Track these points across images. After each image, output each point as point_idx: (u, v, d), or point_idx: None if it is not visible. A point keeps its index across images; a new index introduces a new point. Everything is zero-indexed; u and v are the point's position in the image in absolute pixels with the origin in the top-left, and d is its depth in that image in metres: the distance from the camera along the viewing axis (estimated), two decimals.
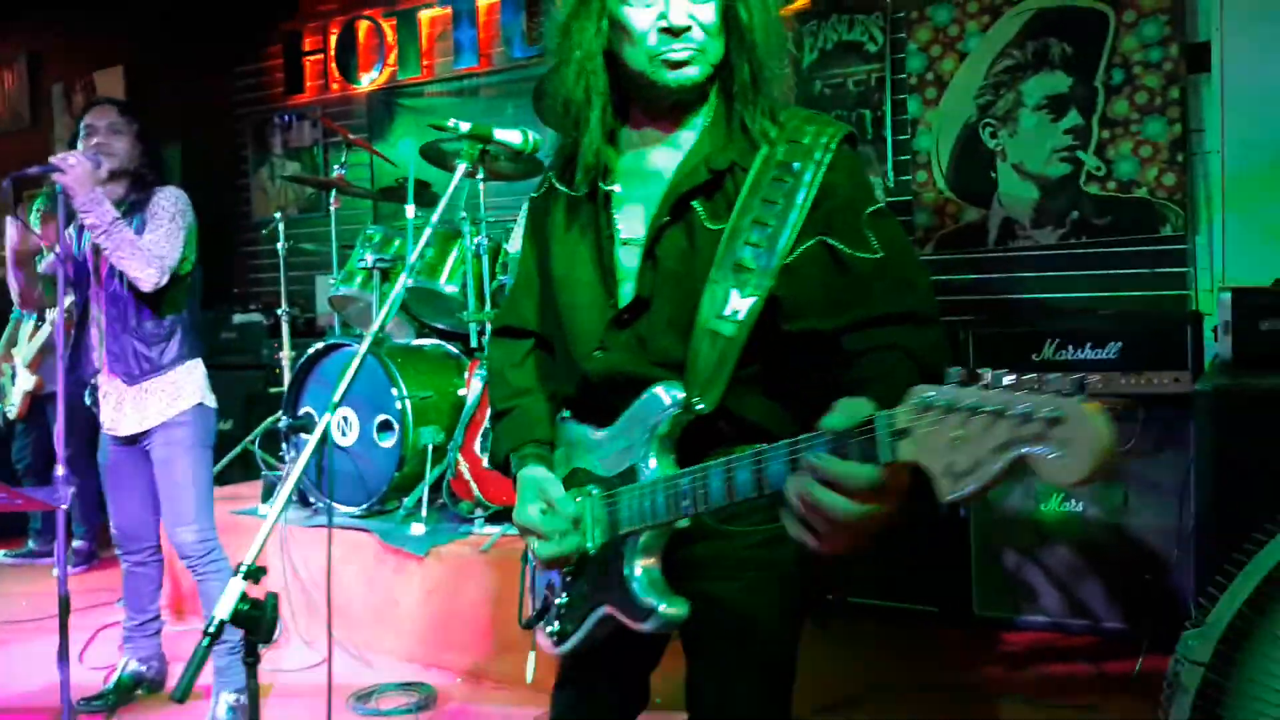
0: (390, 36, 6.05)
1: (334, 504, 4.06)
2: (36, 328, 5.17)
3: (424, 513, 3.81)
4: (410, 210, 3.90)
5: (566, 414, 1.60)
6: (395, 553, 3.75)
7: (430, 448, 3.85)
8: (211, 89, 6.72)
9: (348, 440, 4.08)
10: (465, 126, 1.74)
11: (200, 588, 3.29)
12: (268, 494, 4.33)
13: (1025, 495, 3.66)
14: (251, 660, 1.38)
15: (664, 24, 1.42)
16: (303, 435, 4.08)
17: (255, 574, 1.36)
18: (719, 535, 1.46)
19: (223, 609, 1.32)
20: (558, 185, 1.62)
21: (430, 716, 3.26)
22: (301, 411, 4.12)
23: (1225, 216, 3.92)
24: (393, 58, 6.04)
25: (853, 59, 4.64)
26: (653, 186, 1.50)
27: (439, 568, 3.66)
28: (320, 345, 4.12)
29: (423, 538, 3.72)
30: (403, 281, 1.66)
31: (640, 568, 1.40)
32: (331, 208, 4.59)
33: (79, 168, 2.87)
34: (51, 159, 2.84)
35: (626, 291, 1.50)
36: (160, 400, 3.17)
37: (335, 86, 6.33)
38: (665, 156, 1.53)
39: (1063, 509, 3.61)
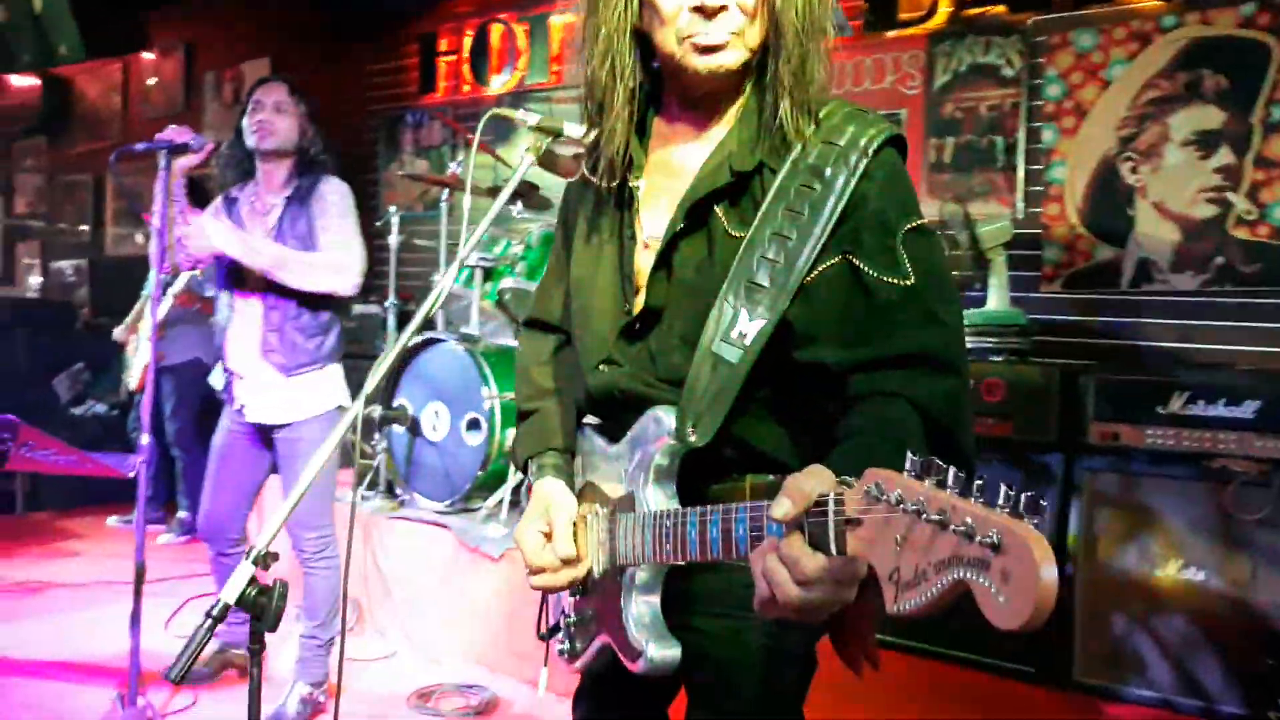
0: (521, 41, 6.11)
1: (418, 497, 4.07)
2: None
3: (504, 514, 3.78)
4: (516, 209, 3.89)
5: (590, 420, 1.50)
6: (472, 551, 3.73)
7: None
8: (349, 85, 6.90)
9: (437, 435, 4.08)
10: (534, 119, 1.67)
11: (306, 580, 3.28)
12: (360, 482, 4.37)
13: (1140, 556, 3.39)
14: (256, 648, 1.33)
15: (696, 3, 1.28)
16: (394, 427, 4.10)
17: (265, 560, 1.31)
18: (720, 569, 1.32)
19: (230, 592, 1.27)
20: (587, 175, 1.50)
21: None
22: (396, 403, 4.14)
23: None
24: (522, 62, 6.09)
25: (987, 82, 4.43)
26: (678, 185, 1.37)
27: (513, 571, 3.61)
28: (419, 339, 4.14)
29: (500, 539, 3.68)
30: (453, 270, 1.59)
31: (636, 604, 1.30)
32: (444, 204, 4.62)
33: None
34: (158, 136, 2.91)
35: (642, 300, 1.38)
36: (311, 395, 3.17)
37: (466, 88, 6.42)
38: (694, 152, 1.39)
39: (1182, 575, 3.32)
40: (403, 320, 5.15)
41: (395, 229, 4.64)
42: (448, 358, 4.05)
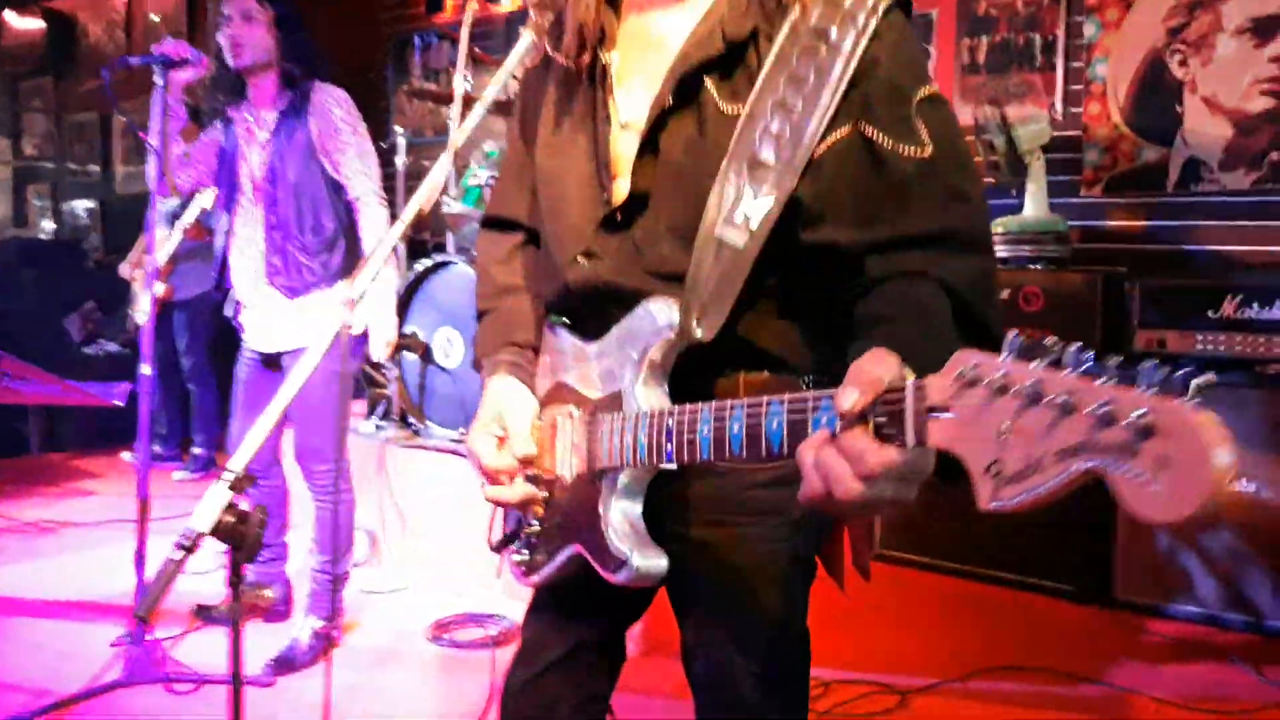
0: None
1: (432, 424, 3.95)
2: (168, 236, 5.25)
3: None
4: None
5: (558, 319, 1.35)
6: None
7: None
8: (357, 7, 6.68)
9: (451, 362, 3.95)
10: None
11: (317, 514, 3.16)
12: (372, 411, 4.26)
13: None
14: (236, 581, 1.20)
15: None
16: (406, 354, 3.97)
17: (241, 483, 1.17)
18: (713, 472, 1.20)
19: (202, 520, 1.14)
20: (551, 53, 1.33)
21: (509, 651, 3.13)
22: (406, 330, 4.01)
23: None
24: None
25: None
26: (659, 58, 1.21)
27: None
28: (428, 263, 3.98)
29: None
30: (443, 161, 1.42)
31: (617, 510, 1.16)
32: (452, 123, 4.42)
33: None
34: (154, 48, 2.74)
35: (622, 188, 1.23)
36: (320, 318, 2.99)
37: (476, 6, 6.18)
38: (675, 21, 1.23)
39: (1229, 486, 3.15)
40: (413, 250, 5.00)
41: (403, 150, 4.46)
42: (459, 281, 3.89)
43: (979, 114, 4.03)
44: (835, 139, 1.10)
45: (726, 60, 1.17)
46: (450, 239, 4.51)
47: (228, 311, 3.19)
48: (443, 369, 3.97)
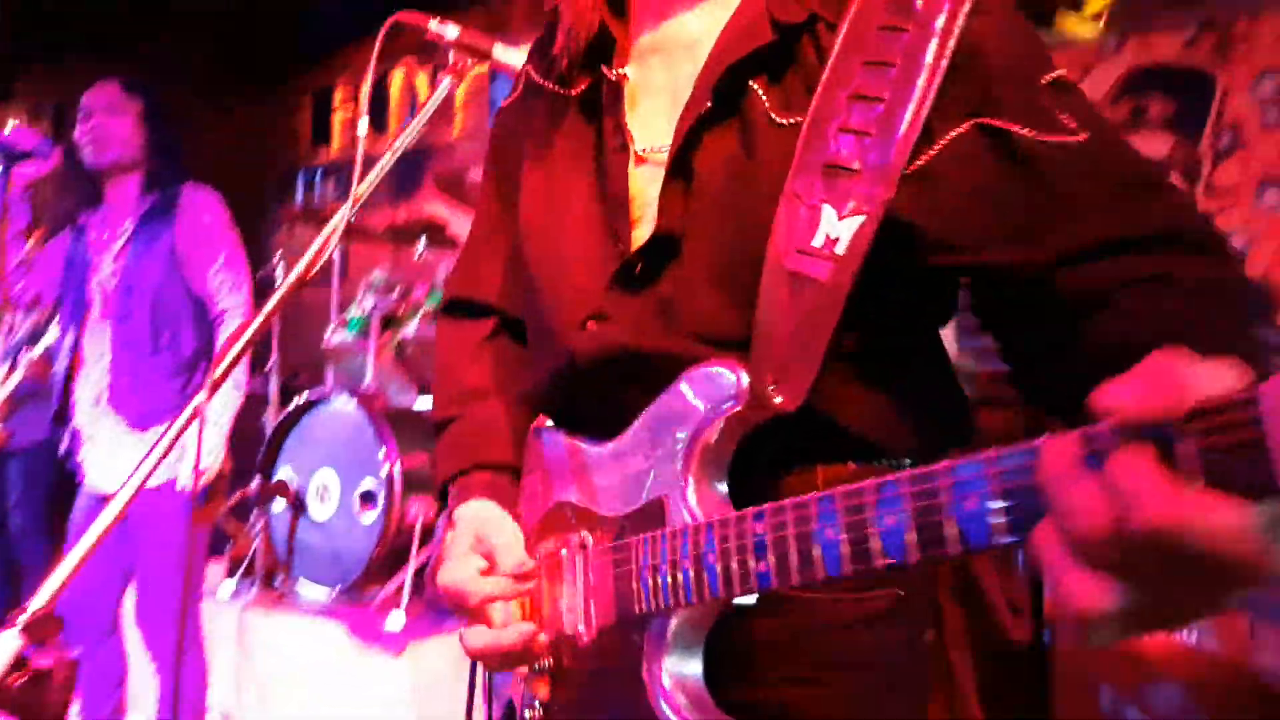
0: (422, 94, 5.77)
1: (302, 583, 3.52)
2: (9, 372, 4.74)
3: (405, 601, 3.25)
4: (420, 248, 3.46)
5: (547, 424, 1.06)
6: (368, 646, 3.20)
7: (419, 524, 3.32)
8: (239, 142, 6.46)
9: (325, 512, 3.55)
10: (454, 33, 1.27)
11: (160, 690, 2.75)
12: (232, 570, 3.79)
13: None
14: None
15: None
16: (274, 504, 3.56)
17: (41, 630, 0.91)
18: (789, 606, 0.89)
19: None
20: (537, 79, 1.10)
21: None
22: (277, 475, 3.61)
23: None
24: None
25: None
26: (688, 69, 0.96)
27: (417, 670, 3.09)
28: (302, 400, 3.63)
29: (401, 632, 3.16)
30: (340, 223, 1.17)
31: (669, 673, 0.84)
32: (336, 257, 4.17)
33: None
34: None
35: (643, 233, 0.96)
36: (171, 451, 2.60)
37: (365, 135, 6.04)
38: (703, 20, 0.99)
39: (1176, 638, 2.98)
40: (286, 395, 4.62)
41: (280, 278, 4.15)
42: (338, 419, 3.54)
43: None
44: (948, 140, 0.85)
45: (778, 54, 0.92)
46: (330, 373, 4.17)
47: (65, 445, 2.77)
48: (317, 521, 3.57)
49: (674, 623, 0.85)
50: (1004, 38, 0.87)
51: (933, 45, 0.84)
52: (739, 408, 0.83)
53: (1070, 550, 0.54)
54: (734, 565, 0.78)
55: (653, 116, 0.99)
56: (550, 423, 1.05)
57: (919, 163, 0.85)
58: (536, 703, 1.00)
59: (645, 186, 0.97)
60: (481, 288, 1.20)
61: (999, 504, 0.61)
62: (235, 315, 2.68)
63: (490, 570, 1.00)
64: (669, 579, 0.84)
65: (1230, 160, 3.54)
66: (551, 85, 1.07)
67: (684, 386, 0.87)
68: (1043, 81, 0.86)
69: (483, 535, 1.01)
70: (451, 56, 1.28)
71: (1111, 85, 3.77)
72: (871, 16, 0.88)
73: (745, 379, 0.83)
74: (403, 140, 1.22)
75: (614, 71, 1.01)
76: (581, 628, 0.94)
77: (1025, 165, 0.83)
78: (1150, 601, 0.53)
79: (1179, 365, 0.53)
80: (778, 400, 0.83)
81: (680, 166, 0.93)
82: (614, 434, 0.95)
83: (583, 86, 1.04)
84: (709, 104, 0.92)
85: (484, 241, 1.21)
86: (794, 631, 0.91)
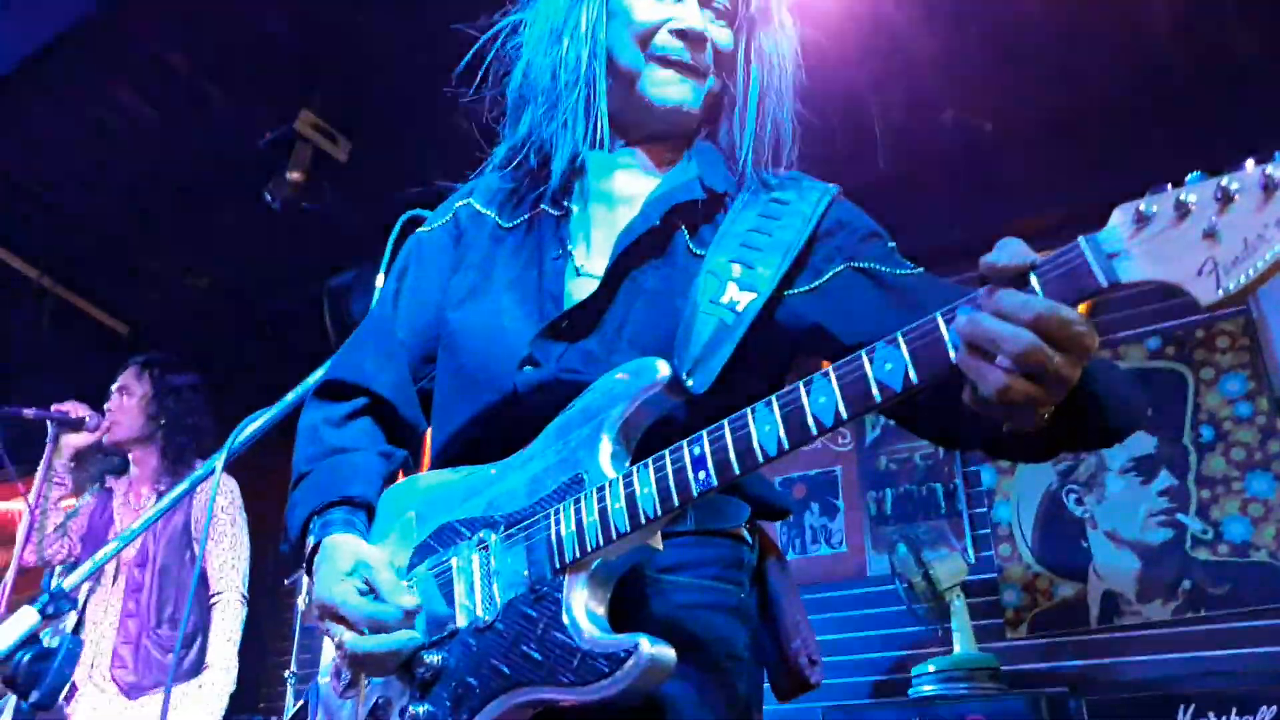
0: None
1: None
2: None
3: None
4: None
5: (421, 473, 1.23)
6: None
7: None
8: (279, 483, 6.73)
9: None
10: None
11: None
12: None
13: None
14: None
15: (678, 25, 1.28)
16: None
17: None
18: (662, 586, 1.10)
19: None
20: (482, 210, 1.37)
21: None
22: None
23: None
24: None
25: None
26: (623, 210, 1.28)
27: None
28: None
29: None
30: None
31: (588, 608, 0.97)
32: None
33: None
34: (54, 406, 2.68)
35: (581, 295, 1.23)
36: None
37: None
38: (639, 185, 1.32)
39: None
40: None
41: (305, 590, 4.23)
42: None
43: (894, 559, 4.06)
44: (832, 275, 1.20)
45: (699, 209, 1.24)
46: None
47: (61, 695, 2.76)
48: None
49: (594, 566, 0.99)
50: (859, 220, 1.28)
51: (805, 214, 1.23)
52: (659, 389, 1.02)
53: (991, 362, 0.82)
54: (667, 486, 0.96)
55: (592, 245, 1.28)
56: (427, 474, 1.22)
57: (813, 285, 1.20)
58: (416, 676, 1.07)
59: (577, 293, 1.22)
60: (361, 373, 1.36)
61: (907, 357, 0.88)
62: (232, 598, 2.78)
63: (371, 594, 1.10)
64: (594, 525, 0.99)
65: (1213, 452, 3.73)
66: (494, 214, 1.34)
67: (604, 383, 1.06)
68: (889, 244, 1.26)
69: (359, 558, 1.12)
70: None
71: None
72: (763, 196, 1.26)
73: (667, 365, 1.04)
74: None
75: (564, 205, 1.30)
76: (483, 614, 1.04)
77: (888, 287, 1.18)
78: (1053, 381, 0.82)
79: (1018, 244, 0.86)
80: (690, 384, 1.07)
81: (619, 266, 1.20)
82: (517, 450, 1.12)
83: (523, 219, 1.32)
84: (648, 228, 1.21)
85: (371, 335, 1.40)
86: (667, 607, 1.08)
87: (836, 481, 4.57)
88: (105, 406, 2.89)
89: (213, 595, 2.80)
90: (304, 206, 4.16)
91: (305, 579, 3.53)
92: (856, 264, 1.22)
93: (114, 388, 2.94)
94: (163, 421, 2.91)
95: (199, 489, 2.84)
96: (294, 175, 3.83)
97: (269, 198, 4.18)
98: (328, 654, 1.21)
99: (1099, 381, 0.93)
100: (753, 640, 1.17)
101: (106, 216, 4.82)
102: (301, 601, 4.62)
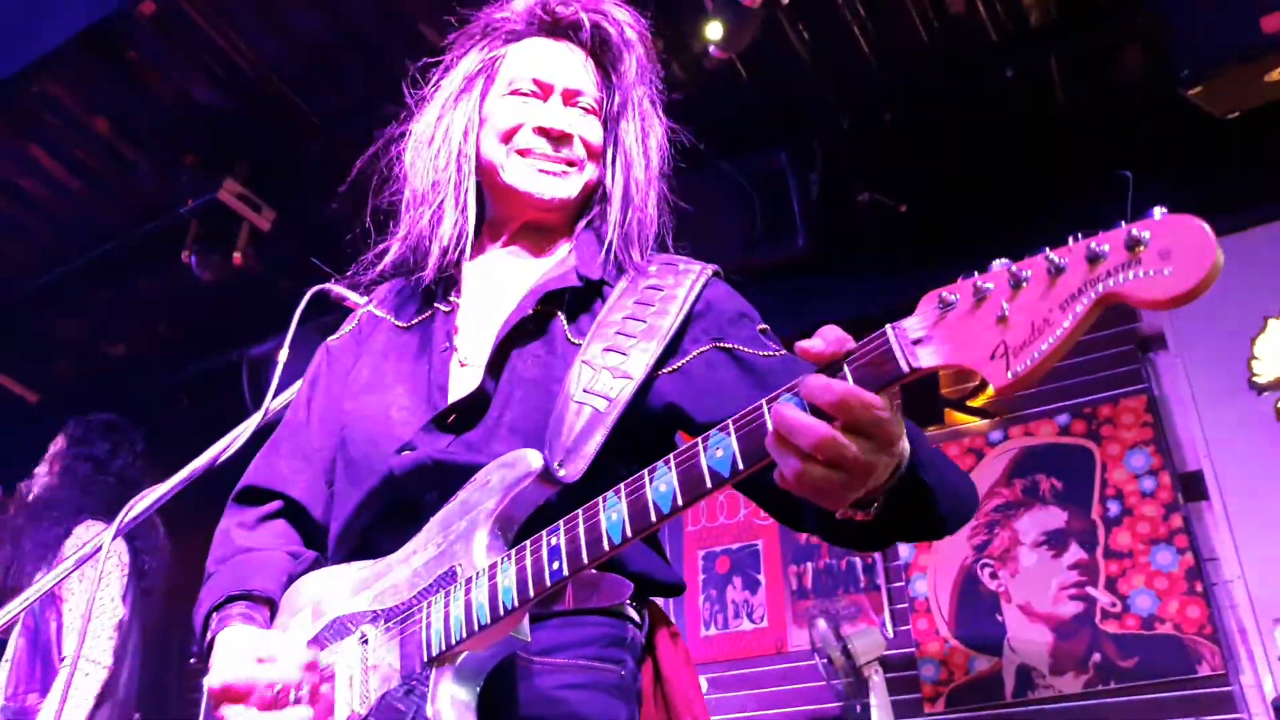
0: None
1: None
2: None
3: None
4: None
5: (316, 565, 1.24)
6: None
7: None
8: (196, 559, 6.53)
9: None
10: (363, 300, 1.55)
11: None
12: None
13: None
14: None
15: (541, 124, 1.33)
16: None
17: None
18: (537, 667, 1.10)
19: None
20: (381, 315, 1.42)
21: None
22: None
23: (1266, 650, 3.47)
24: None
25: None
26: (502, 304, 1.31)
27: None
28: None
29: None
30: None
31: (446, 698, 0.97)
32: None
33: None
34: None
35: (465, 388, 1.24)
36: None
37: None
38: (520, 277, 1.35)
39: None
40: None
41: None
42: None
43: (813, 633, 4.06)
44: (696, 353, 1.22)
45: (577, 298, 1.27)
46: None
47: None
48: None
49: (460, 661, 0.99)
50: (730, 301, 1.31)
51: (680, 297, 1.25)
52: (530, 481, 1.05)
53: (797, 451, 0.85)
54: (526, 578, 0.97)
55: (475, 336, 1.30)
56: (320, 564, 1.22)
57: (677, 364, 1.22)
58: None
59: (461, 384, 1.25)
60: (273, 478, 1.39)
61: (735, 445, 0.90)
62: (75, 666, 2.69)
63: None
64: (459, 618, 1.00)
65: (1120, 526, 3.82)
66: (392, 319, 1.38)
67: (481, 475, 1.08)
68: (758, 325, 1.29)
69: (254, 640, 1.12)
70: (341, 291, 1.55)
71: (1004, 468, 4.14)
72: (640, 283, 1.29)
73: (539, 457, 1.07)
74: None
75: (451, 301, 1.34)
76: (358, 707, 1.05)
77: (747, 369, 1.21)
78: (852, 468, 0.85)
79: (828, 331, 0.90)
80: (562, 474, 1.09)
81: (499, 355, 1.24)
82: (401, 545, 1.13)
83: (418, 319, 1.36)
84: (533, 309, 1.25)
85: (286, 440, 1.42)
86: (543, 689, 1.08)
87: (759, 555, 4.58)
88: (35, 471, 2.82)
89: (60, 659, 2.72)
90: (226, 275, 4.12)
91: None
92: (721, 344, 1.25)
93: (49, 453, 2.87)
94: (67, 485, 2.86)
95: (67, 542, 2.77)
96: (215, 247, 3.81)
97: (193, 265, 4.14)
98: None
99: (931, 471, 0.95)
100: (636, 718, 1.16)
101: (18, 281, 4.72)
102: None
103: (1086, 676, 3.70)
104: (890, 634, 4.14)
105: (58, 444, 2.97)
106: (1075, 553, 3.88)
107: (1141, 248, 0.73)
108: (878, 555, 4.30)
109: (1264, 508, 3.58)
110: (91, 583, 2.78)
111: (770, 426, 0.87)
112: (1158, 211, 0.74)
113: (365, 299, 1.62)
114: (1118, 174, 2.67)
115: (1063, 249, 0.78)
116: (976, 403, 4.30)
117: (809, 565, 4.45)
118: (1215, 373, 3.83)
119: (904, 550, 4.24)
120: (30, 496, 2.88)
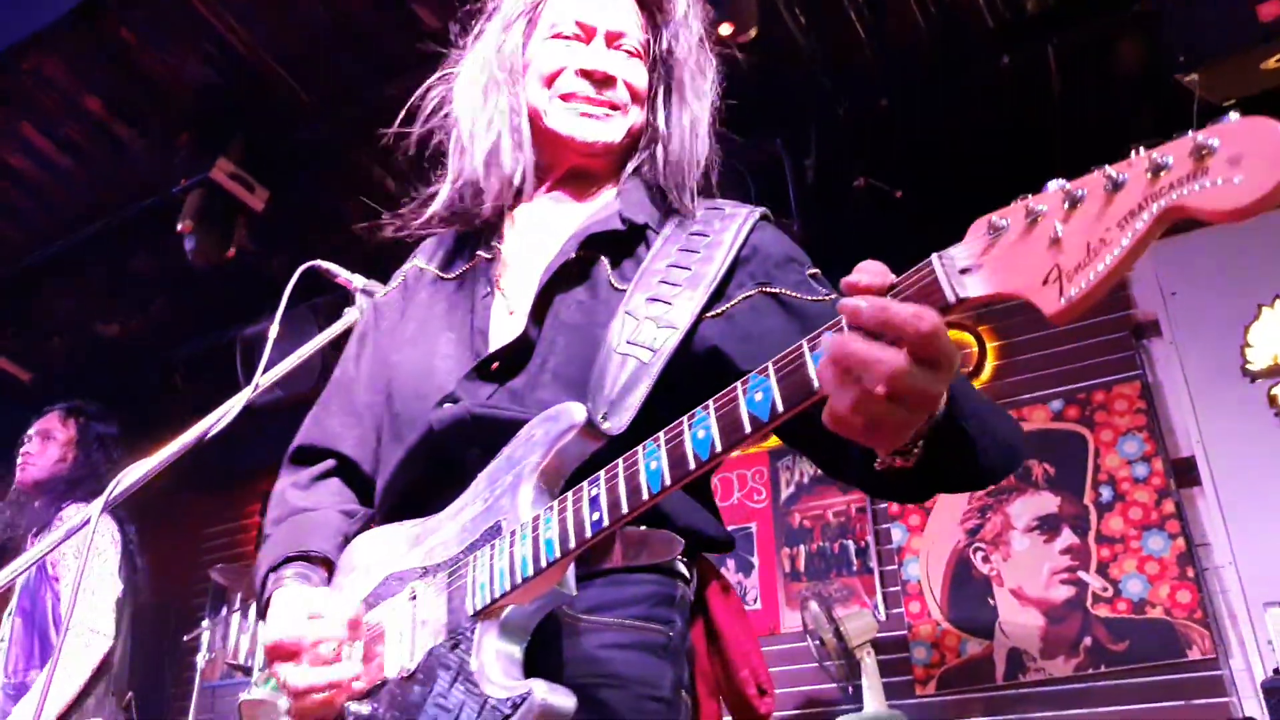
0: None
1: None
2: None
3: None
4: None
5: (370, 522, 1.22)
6: None
7: None
8: (184, 540, 6.54)
9: None
10: (361, 281, 1.55)
11: None
12: None
13: None
14: None
15: (584, 66, 1.32)
16: None
17: None
18: (584, 625, 1.07)
19: None
20: (425, 266, 1.41)
21: None
22: None
23: (1256, 634, 3.50)
24: None
25: (830, 490, 4.51)
26: (545, 249, 1.29)
27: None
28: None
29: None
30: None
31: (492, 651, 0.97)
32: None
33: None
34: None
35: (507, 336, 1.23)
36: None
37: None
38: (565, 222, 1.32)
39: None
40: None
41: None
42: None
43: (806, 616, 4.08)
44: (741, 298, 1.19)
45: (621, 241, 1.25)
46: None
47: None
48: None
49: (505, 614, 0.98)
50: (778, 244, 1.26)
51: (726, 243, 1.22)
52: (574, 434, 1.04)
53: (859, 384, 0.81)
54: (567, 529, 0.96)
55: (518, 281, 1.29)
56: (375, 525, 1.21)
57: (721, 309, 1.18)
58: None
59: (504, 330, 1.24)
60: (327, 435, 1.38)
61: (775, 387, 0.87)
62: (70, 636, 2.69)
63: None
64: (504, 569, 0.99)
65: (1112, 512, 3.84)
66: (436, 270, 1.37)
67: (525, 431, 1.07)
68: (808, 269, 1.25)
69: (308, 600, 1.12)
70: (361, 300, 1.54)
71: None
72: (686, 228, 1.26)
73: (583, 410, 1.05)
74: (317, 341, 1.42)
75: (494, 247, 1.33)
76: (407, 661, 1.05)
77: (794, 313, 1.18)
78: (904, 382, 0.80)
79: (878, 265, 0.86)
80: (606, 426, 1.06)
81: (542, 301, 1.22)
82: (448, 503, 1.12)
83: (462, 269, 1.34)
84: (575, 253, 1.23)
85: (335, 398, 1.41)
86: (588, 649, 1.07)
87: (752, 538, 4.60)
88: (22, 450, 2.79)
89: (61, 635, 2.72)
90: (220, 255, 4.10)
91: (205, 637, 3.43)
92: (768, 289, 1.22)
93: (32, 432, 2.84)
94: (82, 469, 2.83)
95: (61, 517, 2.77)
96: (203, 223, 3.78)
97: (186, 245, 4.12)
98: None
99: (971, 420, 0.93)
100: (685, 679, 1.15)
101: (11, 260, 4.69)
102: (201, 659, 4.47)
103: (1077, 660, 3.73)
104: (882, 617, 4.16)
105: (69, 429, 2.91)
106: (1067, 537, 3.90)
107: (1209, 156, 0.68)
108: (870, 539, 4.32)
109: (1256, 494, 3.61)
110: (87, 554, 2.78)
111: (820, 361, 0.83)
112: (1233, 115, 0.68)
113: (355, 276, 1.61)
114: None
115: (1121, 164, 0.72)
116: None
117: (802, 548, 4.47)
118: (1209, 359, 3.85)
119: (896, 534, 4.27)
120: (32, 481, 2.85)
